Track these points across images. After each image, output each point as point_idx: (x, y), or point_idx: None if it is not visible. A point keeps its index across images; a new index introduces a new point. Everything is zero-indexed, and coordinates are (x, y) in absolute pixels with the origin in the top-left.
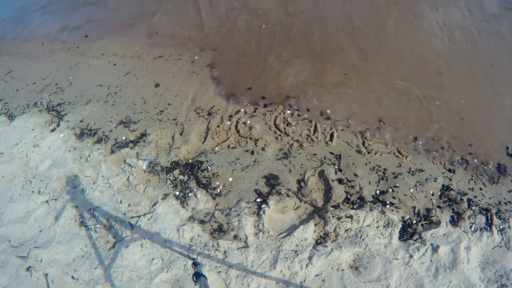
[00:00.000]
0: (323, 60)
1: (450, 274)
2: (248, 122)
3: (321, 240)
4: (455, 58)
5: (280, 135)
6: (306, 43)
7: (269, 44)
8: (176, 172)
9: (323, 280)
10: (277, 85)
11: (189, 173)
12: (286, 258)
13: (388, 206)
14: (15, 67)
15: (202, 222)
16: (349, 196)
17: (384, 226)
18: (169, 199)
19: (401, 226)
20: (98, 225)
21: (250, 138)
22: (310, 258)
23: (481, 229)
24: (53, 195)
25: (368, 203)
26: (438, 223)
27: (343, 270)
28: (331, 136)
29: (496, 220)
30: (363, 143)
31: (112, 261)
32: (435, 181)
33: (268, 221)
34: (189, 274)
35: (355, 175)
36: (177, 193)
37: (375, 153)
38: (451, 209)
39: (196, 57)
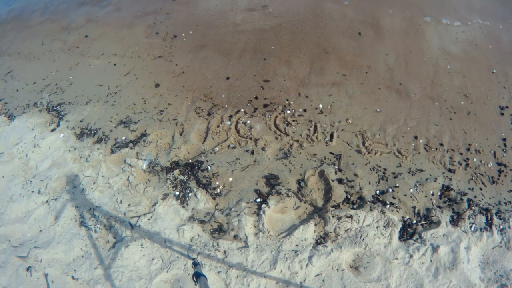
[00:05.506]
0: None
1: (450, 274)
2: (248, 122)
3: (321, 240)
4: None
5: (280, 135)
6: None
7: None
8: (176, 172)
9: (323, 280)
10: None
11: (189, 173)
12: (286, 258)
13: (388, 206)
14: (15, 67)
15: (202, 222)
16: (349, 196)
17: (384, 226)
18: (169, 199)
19: (401, 226)
20: (98, 225)
21: (250, 138)
22: (310, 258)
23: (481, 229)
24: (53, 195)
25: (368, 203)
26: (438, 223)
27: (343, 270)
28: (331, 136)
29: (496, 220)
30: (363, 143)
31: (112, 261)
32: (435, 181)
33: (268, 221)
34: (189, 274)
35: (355, 175)
36: (177, 193)
37: (375, 153)
38: (451, 209)
39: None
